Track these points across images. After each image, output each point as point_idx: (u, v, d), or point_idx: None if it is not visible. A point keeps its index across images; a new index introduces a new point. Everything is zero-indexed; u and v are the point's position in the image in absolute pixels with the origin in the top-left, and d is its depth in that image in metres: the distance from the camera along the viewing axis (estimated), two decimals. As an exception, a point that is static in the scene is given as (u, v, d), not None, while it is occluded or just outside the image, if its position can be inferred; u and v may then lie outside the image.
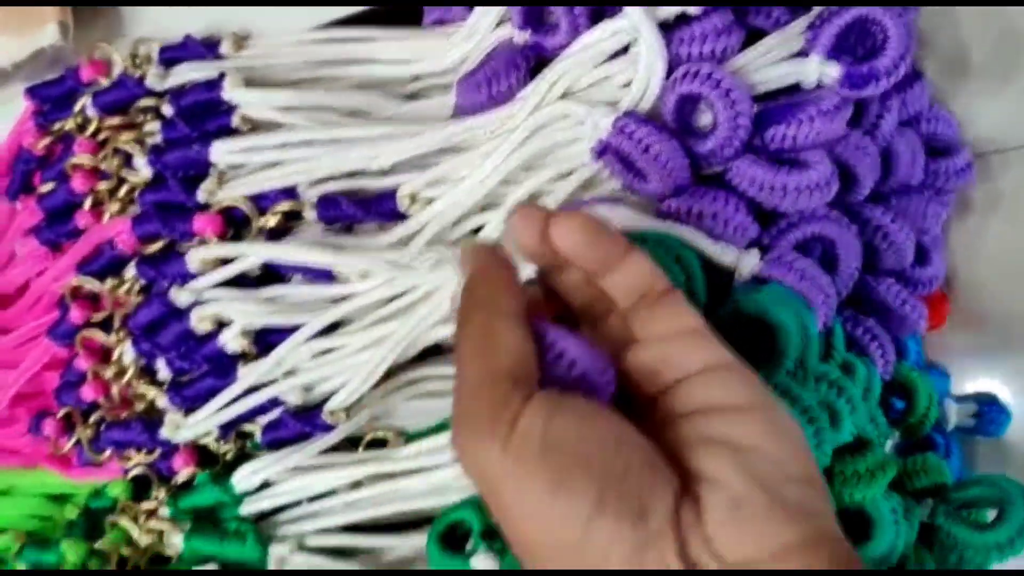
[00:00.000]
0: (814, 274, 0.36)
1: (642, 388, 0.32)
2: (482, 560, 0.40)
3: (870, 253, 0.41)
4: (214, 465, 0.49)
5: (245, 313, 0.46)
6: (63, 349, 0.52)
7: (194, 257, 0.46)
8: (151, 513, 0.48)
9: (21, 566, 0.49)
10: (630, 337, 0.32)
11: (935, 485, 0.41)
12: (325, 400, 0.47)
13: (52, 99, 0.52)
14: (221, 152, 0.46)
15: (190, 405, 0.48)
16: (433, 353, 0.49)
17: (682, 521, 0.27)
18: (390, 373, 0.48)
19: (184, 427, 0.47)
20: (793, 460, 0.28)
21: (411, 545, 0.46)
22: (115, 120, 0.49)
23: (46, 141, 0.51)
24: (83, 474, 0.54)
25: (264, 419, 0.48)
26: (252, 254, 0.45)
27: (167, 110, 0.48)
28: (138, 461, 0.50)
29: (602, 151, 0.40)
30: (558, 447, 0.27)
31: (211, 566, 0.46)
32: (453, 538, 0.43)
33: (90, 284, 0.49)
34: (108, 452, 0.50)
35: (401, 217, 0.45)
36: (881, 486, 0.38)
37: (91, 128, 0.50)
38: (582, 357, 0.30)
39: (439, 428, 0.46)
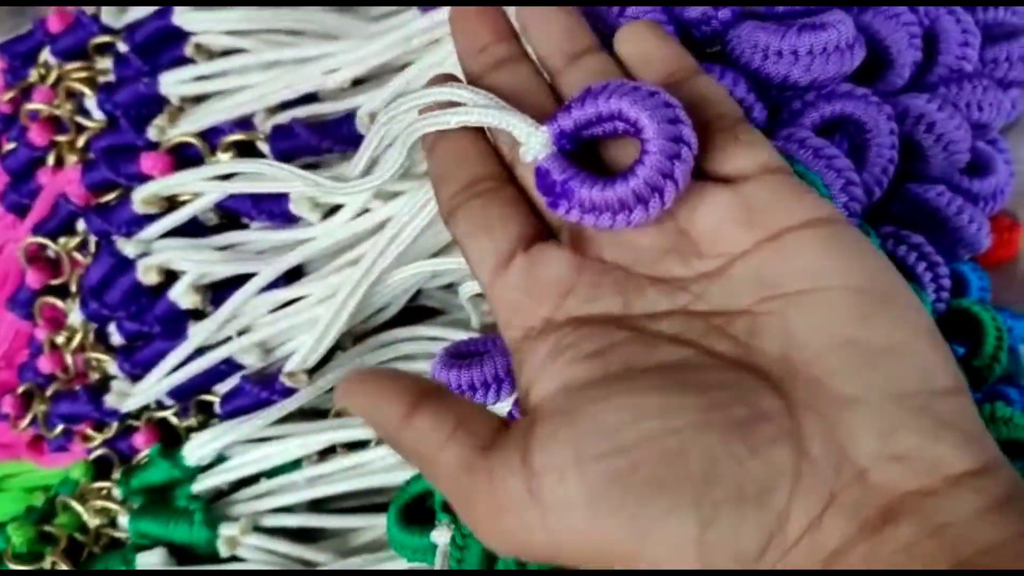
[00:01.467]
0: (831, 153, 0.29)
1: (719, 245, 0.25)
2: (444, 534, 0.33)
3: (912, 154, 0.34)
4: (178, 444, 0.43)
5: (195, 262, 0.41)
6: (27, 323, 0.48)
7: (137, 197, 0.41)
8: (105, 494, 0.43)
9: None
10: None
11: (1008, 441, 0.32)
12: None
13: (21, 55, 0.49)
14: (171, 83, 0.41)
15: (140, 371, 0.43)
16: (410, 316, 0.43)
17: (819, 473, 0.21)
18: (363, 336, 0.43)
19: (132, 395, 0.42)
20: (941, 369, 0.22)
21: (383, 526, 0.39)
22: (75, 65, 0.46)
23: (10, 95, 0.48)
24: (52, 460, 0.49)
25: (223, 388, 0.43)
26: (198, 187, 0.40)
27: (122, 47, 0.44)
28: (99, 441, 0.45)
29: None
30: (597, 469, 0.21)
31: (159, 552, 0.41)
32: (421, 513, 0.36)
33: (43, 242, 0.45)
34: (59, 428, 0.45)
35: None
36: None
37: (52, 77, 0.47)
38: None
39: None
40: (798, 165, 0.28)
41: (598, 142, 0.28)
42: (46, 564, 0.42)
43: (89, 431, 0.45)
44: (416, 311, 0.44)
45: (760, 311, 0.23)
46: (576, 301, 0.25)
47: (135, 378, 0.43)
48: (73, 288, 0.45)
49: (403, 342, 0.42)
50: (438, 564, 0.33)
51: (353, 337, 0.43)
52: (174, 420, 0.44)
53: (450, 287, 0.44)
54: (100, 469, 0.45)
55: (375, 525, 0.40)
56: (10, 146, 0.48)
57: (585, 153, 0.27)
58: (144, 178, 0.42)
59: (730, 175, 0.26)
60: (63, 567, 0.41)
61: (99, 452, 0.45)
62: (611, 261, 0.26)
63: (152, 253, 0.41)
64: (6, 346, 0.50)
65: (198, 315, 0.42)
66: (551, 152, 0.26)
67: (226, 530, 0.39)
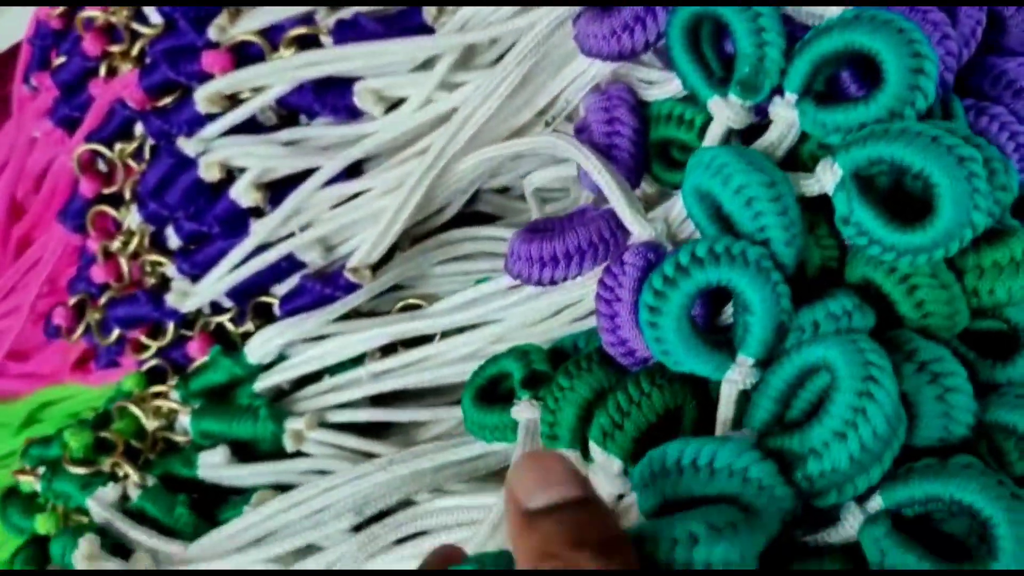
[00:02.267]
0: (927, 8, 0.29)
1: None
2: (524, 409, 0.33)
3: (993, 26, 0.33)
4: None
5: (258, 158, 0.40)
6: (76, 237, 0.47)
7: (201, 95, 0.41)
8: (161, 397, 0.43)
9: (27, 464, 0.44)
10: None
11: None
12: (349, 261, 0.41)
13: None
14: (230, -19, 0.41)
15: (199, 271, 0.42)
16: (467, 222, 0.43)
17: None
18: (422, 237, 0.42)
19: (192, 294, 0.42)
20: None
21: (455, 416, 0.39)
22: (129, -27, 0.46)
23: (60, 9, 0.48)
24: (100, 378, 0.49)
25: (283, 288, 0.42)
26: (262, 81, 0.40)
27: (179, -49, 0.44)
28: (153, 350, 0.45)
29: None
30: None
31: (221, 451, 0.40)
32: (495, 397, 0.36)
33: (97, 149, 0.45)
34: (116, 333, 0.45)
35: (428, 31, 0.39)
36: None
37: (105, -15, 0.46)
38: None
39: (478, 282, 0.39)
40: (898, 17, 0.28)
41: None
42: (104, 467, 0.41)
43: (143, 339, 0.45)
44: (471, 217, 0.44)
45: None
46: None
47: (194, 279, 0.42)
48: (128, 195, 0.45)
49: (463, 242, 0.42)
50: (520, 439, 0.33)
51: (411, 239, 0.42)
52: (230, 326, 0.43)
53: (506, 191, 0.44)
54: (152, 381, 0.45)
55: (441, 418, 0.39)
56: (60, 60, 0.48)
57: None
58: (205, 77, 0.41)
59: None
60: (126, 470, 0.41)
61: (152, 363, 0.45)
62: None
63: (213, 151, 0.41)
64: (54, 261, 0.50)
65: (258, 214, 0.42)
66: None
67: (292, 424, 0.39)
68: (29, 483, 0.44)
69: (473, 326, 0.38)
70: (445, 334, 0.39)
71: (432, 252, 0.41)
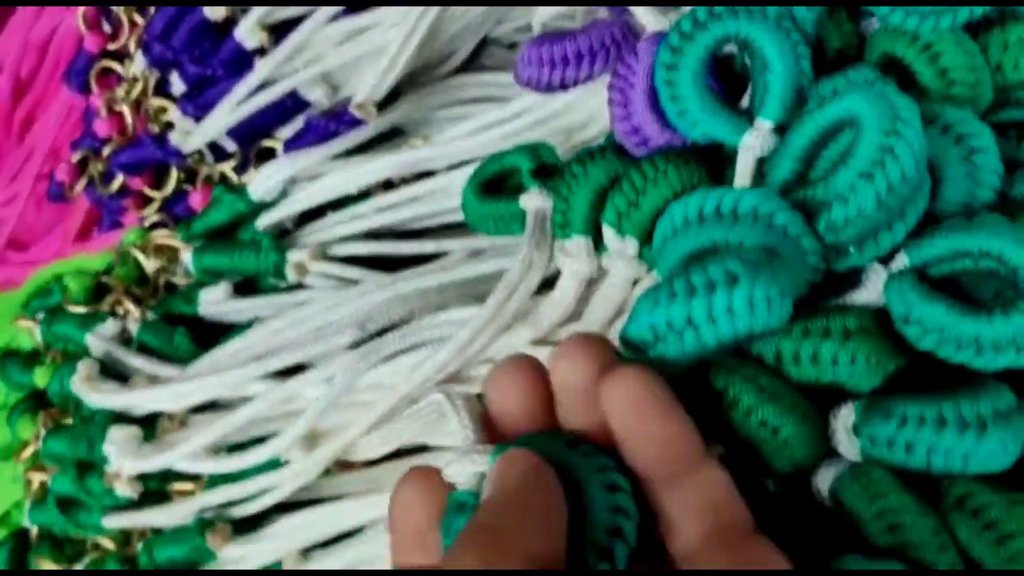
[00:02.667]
0: None
1: None
2: (534, 198, 0.32)
3: None
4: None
5: (263, -7, 0.40)
6: (80, 99, 0.47)
7: (207, -74, 0.40)
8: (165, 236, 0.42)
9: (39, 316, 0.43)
10: None
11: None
12: (357, 101, 0.40)
13: None
14: None
15: (203, 113, 0.42)
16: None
17: None
18: (427, 80, 0.42)
19: (196, 132, 0.41)
20: None
21: (461, 247, 0.38)
22: None
23: None
24: (102, 243, 0.48)
25: (287, 131, 0.42)
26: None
27: None
28: (156, 205, 0.44)
29: None
30: None
31: (223, 287, 0.39)
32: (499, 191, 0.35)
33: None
34: (118, 181, 0.44)
35: None
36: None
37: None
38: None
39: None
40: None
41: None
42: (104, 307, 0.41)
43: (146, 190, 0.44)
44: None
45: None
46: None
47: (198, 120, 0.42)
48: (132, 49, 0.44)
49: (469, 87, 0.41)
50: (529, 228, 0.32)
51: (418, 87, 0.42)
52: (233, 176, 0.43)
53: (513, 47, 0.43)
54: (155, 237, 0.45)
55: (445, 250, 0.38)
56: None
57: None
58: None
59: None
60: (128, 308, 0.40)
61: (154, 219, 0.45)
62: None
63: (219, -13, 0.40)
64: (57, 129, 0.49)
65: (263, 55, 0.41)
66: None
67: (295, 256, 0.38)
68: (28, 335, 0.43)
69: (478, 159, 0.37)
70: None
71: (438, 95, 0.41)
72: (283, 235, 0.40)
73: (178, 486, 0.37)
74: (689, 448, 0.22)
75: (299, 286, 0.39)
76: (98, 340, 0.39)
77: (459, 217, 0.38)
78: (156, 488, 0.38)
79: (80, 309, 0.40)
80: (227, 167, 0.42)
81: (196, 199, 0.43)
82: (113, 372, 0.38)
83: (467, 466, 0.22)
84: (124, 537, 0.39)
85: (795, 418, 0.24)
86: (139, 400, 0.36)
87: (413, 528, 0.23)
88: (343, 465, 0.37)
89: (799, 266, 0.25)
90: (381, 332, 0.34)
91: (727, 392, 0.25)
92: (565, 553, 0.20)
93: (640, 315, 0.24)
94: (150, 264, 0.41)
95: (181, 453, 0.35)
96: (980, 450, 0.23)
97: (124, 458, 0.36)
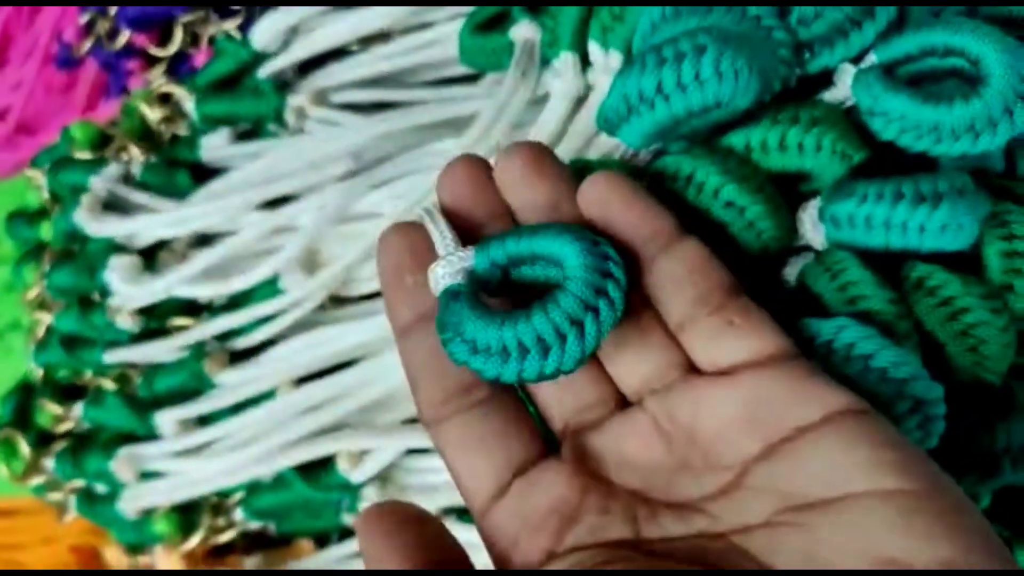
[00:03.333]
0: None
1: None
2: (523, 29, 0.33)
3: None
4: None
5: None
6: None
7: None
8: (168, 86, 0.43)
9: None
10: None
11: None
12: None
13: None
14: None
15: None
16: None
17: None
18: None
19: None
20: None
21: (461, 95, 0.39)
22: None
23: None
24: (109, 112, 0.50)
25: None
26: None
27: None
28: (162, 67, 0.45)
29: None
30: None
31: (223, 132, 0.41)
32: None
33: None
34: (126, 36, 0.45)
35: None
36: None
37: None
38: None
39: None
40: None
41: None
42: (109, 153, 0.42)
43: (152, 49, 0.45)
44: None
45: (780, 523, 0.20)
46: (583, 531, 0.22)
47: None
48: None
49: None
50: (516, 56, 0.33)
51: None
52: (237, 35, 0.44)
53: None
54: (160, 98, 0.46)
55: (445, 97, 0.39)
56: None
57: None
58: None
59: (726, 367, 0.22)
60: (132, 153, 0.41)
61: (160, 82, 0.46)
62: (619, 484, 0.22)
63: None
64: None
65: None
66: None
67: (294, 100, 0.39)
68: (36, 191, 0.44)
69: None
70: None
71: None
72: (284, 87, 0.41)
73: (178, 321, 0.39)
74: (665, 226, 0.23)
75: (299, 133, 0.40)
76: (102, 180, 0.40)
77: (459, 70, 0.39)
78: (157, 326, 0.39)
79: (86, 155, 0.42)
80: (231, 25, 0.43)
81: (200, 59, 0.44)
82: (115, 210, 0.40)
83: (454, 263, 0.23)
84: (124, 377, 0.40)
85: (761, 198, 0.26)
86: (138, 227, 0.37)
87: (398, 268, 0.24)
88: (339, 301, 0.38)
89: (770, 56, 0.26)
90: (374, 164, 0.36)
91: (695, 176, 0.26)
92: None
93: (614, 89, 0.25)
94: (154, 114, 0.42)
95: (179, 277, 0.36)
96: (934, 222, 0.24)
97: (124, 285, 0.37)
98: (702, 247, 0.24)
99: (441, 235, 0.24)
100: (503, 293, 0.24)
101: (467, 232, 0.24)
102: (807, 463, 0.20)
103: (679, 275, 0.23)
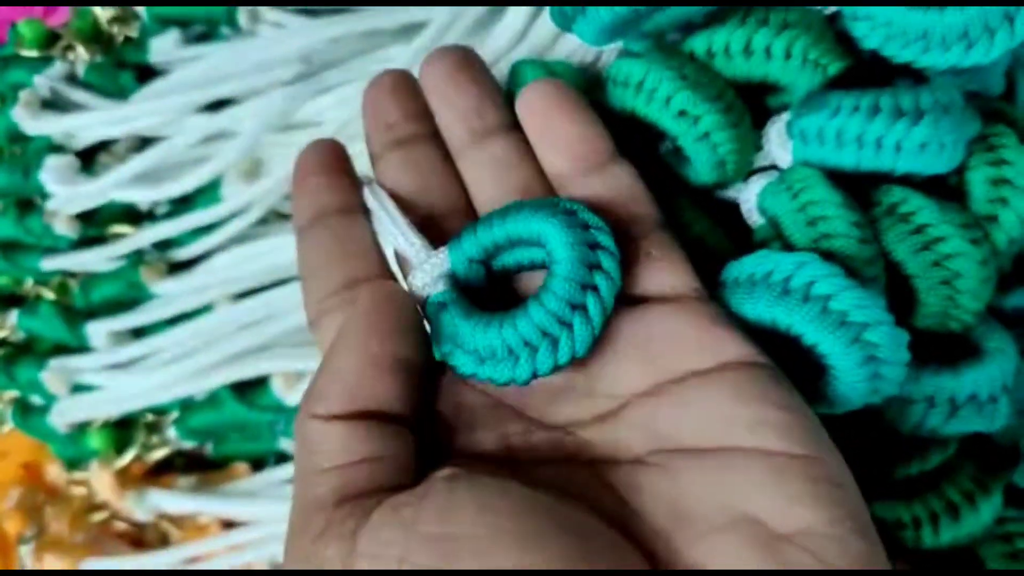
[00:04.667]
0: None
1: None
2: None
3: None
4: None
5: None
6: None
7: None
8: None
9: None
10: None
11: None
12: None
13: None
14: None
15: None
16: None
17: None
18: None
19: None
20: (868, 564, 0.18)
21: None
22: None
23: None
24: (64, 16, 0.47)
25: None
26: None
27: None
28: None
29: None
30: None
31: (171, 35, 0.38)
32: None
33: None
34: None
35: None
36: None
37: None
38: None
39: None
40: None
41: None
42: (56, 51, 0.40)
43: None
44: None
45: (650, 464, 0.19)
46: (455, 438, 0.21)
47: None
48: None
49: None
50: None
51: None
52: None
53: None
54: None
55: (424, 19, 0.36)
56: None
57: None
58: None
59: (635, 296, 0.21)
60: (79, 53, 0.39)
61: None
62: (495, 396, 0.22)
63: None
64: None
65: None
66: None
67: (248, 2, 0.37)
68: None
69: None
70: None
71: None
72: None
73: (117, 228, 0.37)
74: (600, 146, 0.23)
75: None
76: (45, 79, 0.38)
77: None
78: (97, 233, 0.37)
79: (32, 53, 0.39)
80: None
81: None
82: (56, 109, 0.37)
83: (428, 271, 0.22)
84: (64, 286, 0.39)
85: (718, 107, 0.23)
86: (75, 124, 0.35)
87: None
88: (284, 217, 0.36)
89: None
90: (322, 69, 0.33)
91: (645, 82, 0.24)
92: None
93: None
94: (105, 13, 0.40)
95: (116, 180, 0.34)
96: (912, 139, 0.22)
97: (60, 186, 0.35)
98: (633, 174, 0.23)
99: (405, 238, 0.22)
100: (491, 286, 0.22)
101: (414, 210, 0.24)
102: (690, 408, 0.19)
103: (604, 200, 0.22)
